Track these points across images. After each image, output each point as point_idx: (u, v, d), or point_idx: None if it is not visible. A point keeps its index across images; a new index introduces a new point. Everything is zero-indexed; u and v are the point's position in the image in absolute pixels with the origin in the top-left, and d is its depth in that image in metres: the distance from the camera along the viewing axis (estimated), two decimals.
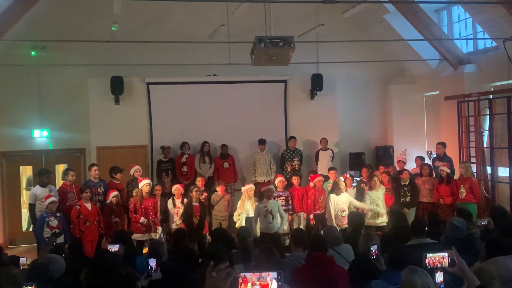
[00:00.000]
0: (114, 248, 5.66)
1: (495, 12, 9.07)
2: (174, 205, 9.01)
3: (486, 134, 10.38)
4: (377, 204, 8.74)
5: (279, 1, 9.52)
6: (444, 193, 9.25)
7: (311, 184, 9.52)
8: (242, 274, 2.58)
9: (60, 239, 7.91)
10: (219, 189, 9.55)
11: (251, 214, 8.85)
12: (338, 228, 7.82)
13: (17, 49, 10.83)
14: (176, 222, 8.90)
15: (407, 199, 9.39)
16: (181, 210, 8.97)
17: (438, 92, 11.62)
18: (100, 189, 9.15)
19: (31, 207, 8.65)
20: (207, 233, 8.74)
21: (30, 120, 11.35)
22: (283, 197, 9.31)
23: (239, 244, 5.62)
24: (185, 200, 9.11)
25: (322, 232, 7.17)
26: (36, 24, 11.05)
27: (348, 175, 10.04)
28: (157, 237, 8.59)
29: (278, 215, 8.33)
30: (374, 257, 4.58)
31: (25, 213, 10.83)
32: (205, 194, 9.47)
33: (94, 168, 9.31)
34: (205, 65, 11.07)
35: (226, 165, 11.21)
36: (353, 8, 9.65)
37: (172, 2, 10.50)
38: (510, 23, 8.95)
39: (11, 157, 11.46)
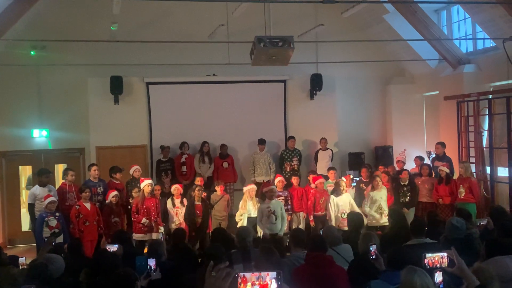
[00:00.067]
0: (112, 248, 5.66)
1: (495, 12, 9.07)
2: (174, 205, 9.02)
3: (485, 134, 10.39)
4: (379, 205, 8.71)
5: (279, 1, 9.53)
6: (443, 193, 9.26)
7: (312, 185, 9.52)
8: (241, 274, 2.58)
9: (60, 239, 7.91)
10: (219, 189, 9.55)
11: (253, 214, 8.87)
12: (339, 229, 7.84)
13: (16, 48, 10.83)
14: (176, 222, 8.90)
15: (407, 199, 9.39)
16: (180, 210, 8.99)
17: (437, 92, 11.63)
18: (100, 189, 9.14)
19: (31, 206, 8.64)
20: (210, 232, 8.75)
21: (29, 120, 11.35)
22: (283, 197, 9.30)
23: (239, 244, 5.62)
24: (185, 200, 9.12)
25: (321, 232, 7.17)
26: (35, 24, 11.06)
27: (351, 176, 10.06)
28: (159, 237, 8.60)
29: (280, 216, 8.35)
30: (374, 257, 4.58)
31: (24, 213, 10.82)
32: (205, 194, 9.47)
33: (94, 168, 9.31)
34: (205, 65, 11.08)
35: (225, 165, 11.21)
36: (352, 8, 9.66)
37: (171, 2, 10.49)
38: (510, 23, 8.95)
39: (11, 157, 11.46)
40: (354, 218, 6.87)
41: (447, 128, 11.11)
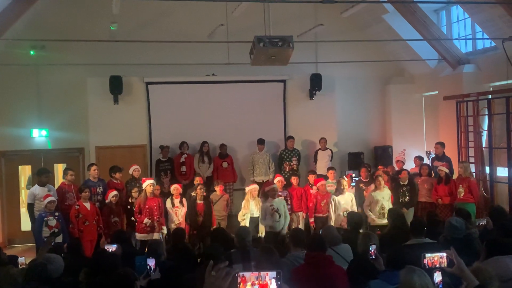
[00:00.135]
0: (111, 248, 5.66)
1: (494, 12, 9.08)
2: (173, 205, 9.04)
3: (485, 134, 10.39)
4: (382, 205, 8.71)
5: (278, 1, 9.53)
6: (443, 193, 9.26)
7: (314, 188, 9.52)
8: (241, 274, 2.58)
9: (59, 239, 7.92)
10: (218, 188, 9.56)
11: (255, 214, 8.89)
12: (340, 228, 7.86)
13: (16, 48, 10.82)
14: (175, 222, 8.91)
15: (406, 199, 9.39)
16: (179, 210, 9.01)
17: (437, 92, 11.63)
18: (99, 188, 9.15)
19: (30, 206, 8.64)
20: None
21: (29, 119, 11.35)
22: (282, 197, 9.30)
23: (238, 244, 5.62)
24: (184, 200, 9.14)
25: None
26: (35, 24, 11.05)
27: (353, 175, 10.07)
28: (162, 237, 8.61)
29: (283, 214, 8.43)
30: (373, 257, 4.58)
31: (24, 212, 10.82)
32: (204, 194, 9.48)
33: (93, 167, 9.31)
34: (204, 65, 11.07)
35: (225, 164, 11.21)
36: (352, 8, 9.67)
37: (171, 2, 10.50)
38: (509, 23, 8.96)
39: (10, 156, 11.45)
40: (354, 218, 6.87)
41: (447, 128, 11.11)
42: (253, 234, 8.55)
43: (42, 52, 11.14)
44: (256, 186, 9.43)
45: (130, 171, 9.75)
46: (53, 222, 8.04)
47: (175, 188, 9.19)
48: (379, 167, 10.63)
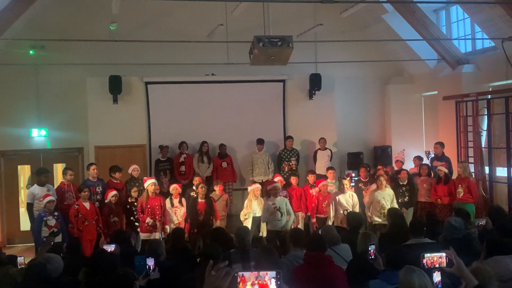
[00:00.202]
0: (110, 248, 5.66)
1: (494, 12, 9.08)
2: (172, 205, 9.05)
3: (484, 134, 10.40)
4: (383, 205, 8.71)
5: (278, 1, 9.53)
6: (442, 193, 9.27)
7: (316, 189, 9.53)
8: (240, 273, 2.58)
9: (58, 238, 7.91)
10: (217, 188, 9.56)
11: (258, 214, 8.91)
12: (341, 226, 7.88)
13: (15, 48, 10.81)
14: (174, 221, 8.92)
15: (405, 199, 9.39)
16: (179, 210, 9.03)
17: (436, 92, 11.63)
18: (99, 188, 9.15)
19: (29, 206, 8.64)
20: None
21: (28, 119, 11.34)
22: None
23: (237, 244, 5.62)
24: (183, 200, 9.16)
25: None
26: (34, 23, 11.04)
27: (353, 174, 10.07)
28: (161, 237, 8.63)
29: (286, 212, 8.46)
30: (372, 257, 4.58)
31: (23, 212, 10.81)
32: (205, 192, 9.49)
33: (93, 167, 9.30)
34: (204, 65, 11.07)
35: (224, 164, 11.21)
36: (351, 8, 9.66)
37: (170, 1, 10.51)
38: (509, 23, 8.96)
39: (9, 156, 11.44)
40: (354, 218, 6.87)
41: (446, 128, 11.12)
42: (255, 233, 8.60)
43: (42, 51, 11.13)
44: (258, 186, 9.43)
45: (129, 171, 9.75)
46: (52, 222, 8.03)
47: (174, 188, 9.20)
48: (379, 167, 10.63)
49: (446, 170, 9.41)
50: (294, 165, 11.33)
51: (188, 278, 4.71)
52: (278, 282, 2.57)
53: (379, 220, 8.68)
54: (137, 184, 9.39)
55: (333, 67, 12.05)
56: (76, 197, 8.73)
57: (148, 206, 8.72)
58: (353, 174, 10.61)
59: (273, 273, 2.59)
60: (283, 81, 12.12)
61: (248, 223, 8.89)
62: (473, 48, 11.09)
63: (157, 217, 8.72)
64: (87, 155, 11.34)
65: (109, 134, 11.22)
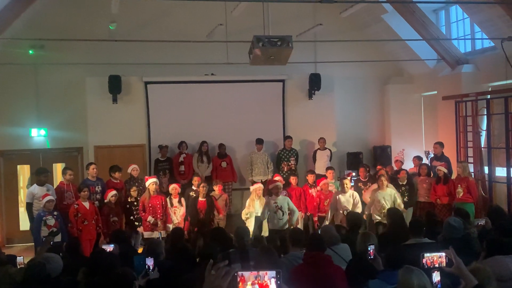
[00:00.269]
0: (109, 248, 5.66)
1: (493, 12, 9.09)
2: (171, 205, 9.07)
3: (483, 134, 10.40)
4: (383, 204, 8.71)
5: (277, 1, 9.53)
6: (441, 193, 9.27)
7: (318, 187, 9.53)
8: (240, 273, 2.58)
9: (58, 238, 7.92)
10: (217, 188, 9.57)
11: (260, 214, 8.90)
12: (340, 225, 7.89)
13: (15, 47, 10.80)
14: (174, 221, 8.94)
15: (405, 199, 9.39)
16: (178, 210, 9.05)
17: (436, 92, 11.64)
18: (98, 188, 9.14)
19: (29, 206, 8.63)
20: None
21: (27, 119, 11.33)
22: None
23: (237, 244, 5.63)
24: (182, 200, 9.17)
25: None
26: (34, 23, 11.03)
27: (353, 174, 10.08)
28: (162, 235, 8.66)
29: (287, 211, 8.49)
30: (372, 256, 4.58)
31: (22, 212, 10.81)
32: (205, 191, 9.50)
33: (92, 166, 9.30)
34: (203, 65, 11.08)
35: (224, 164, 11.20)
36: (351, 7, 9.66)
37: (170, 1, 10.50)
38: (508, 23, 8.96)
39: (9, 156, 11.44)
40: (353, 218, 6.88)
41: (446, 128, 11.12)
42: (257, 233, 8.61)
43: (41, 51, 11.12)
44: (261, 185, 9.42)
45: (129, 170, 9.76)
46: (51, 221, 8.02)
47: (173, 188, 9.22)
48: (378, 167, 10.64)
49: (446, 170, 9.41)
50: (293, 165, 11.33)
51: (187, 278, 4.71)
52: (278, 282, 2.57)
53: (379, 218, 8.69)
54: (136, 184, 9.39)
55: (333, 67, 12.05)
56: (76, 197, 8.73)
57: (150, 204, 8.81)
58: (354, 174, 10.62)
59: (273, 273, 2.58)
60: (283, 81, 12.12)
61: (250, 222, 8.90)
62: (473, 48, 11.09)
63: (158, 215, 8.81)
64: (87, 154, 11.34)
65: (108, 134, 11.22)
